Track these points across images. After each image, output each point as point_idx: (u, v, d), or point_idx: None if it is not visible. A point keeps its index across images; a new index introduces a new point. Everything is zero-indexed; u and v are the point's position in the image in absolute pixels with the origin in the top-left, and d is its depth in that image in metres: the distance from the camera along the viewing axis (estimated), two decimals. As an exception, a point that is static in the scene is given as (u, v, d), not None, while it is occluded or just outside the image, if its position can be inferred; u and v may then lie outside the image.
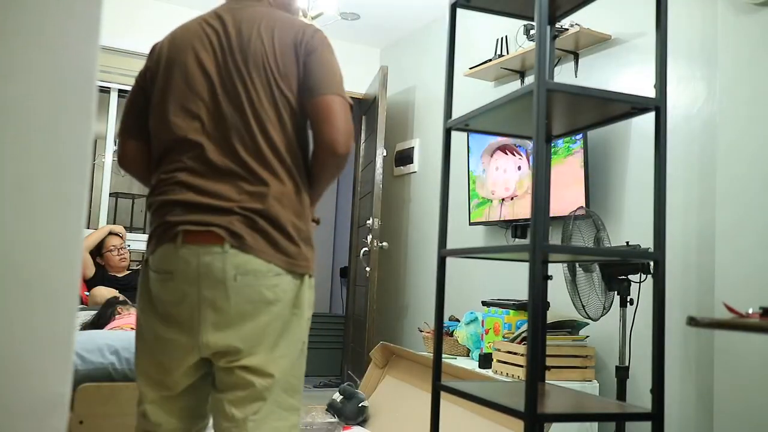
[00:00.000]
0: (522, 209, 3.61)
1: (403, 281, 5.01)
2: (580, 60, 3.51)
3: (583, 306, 2.55)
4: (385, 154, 4.72)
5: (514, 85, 3.97)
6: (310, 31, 1.67)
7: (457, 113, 2.07)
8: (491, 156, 3.85)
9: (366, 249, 4.69)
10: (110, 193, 4.98)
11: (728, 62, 2.58)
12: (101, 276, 4.13)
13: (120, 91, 4.95)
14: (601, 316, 2.60)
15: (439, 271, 2.02)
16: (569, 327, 3.08)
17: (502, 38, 3.94)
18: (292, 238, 1.59)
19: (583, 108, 1.86)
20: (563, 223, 2.62)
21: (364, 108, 5.36)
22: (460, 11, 2.12)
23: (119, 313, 3.17)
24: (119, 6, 4.68)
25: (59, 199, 0.65)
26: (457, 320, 3.79)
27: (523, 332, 3.08)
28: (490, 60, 3.92)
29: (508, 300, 3.46)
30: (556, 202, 3.19)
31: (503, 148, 3.78)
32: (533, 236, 1.61)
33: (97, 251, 4.22)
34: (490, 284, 3.92)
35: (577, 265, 2.59)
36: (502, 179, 3.77)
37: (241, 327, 1.54)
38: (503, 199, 3.76)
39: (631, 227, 3.11)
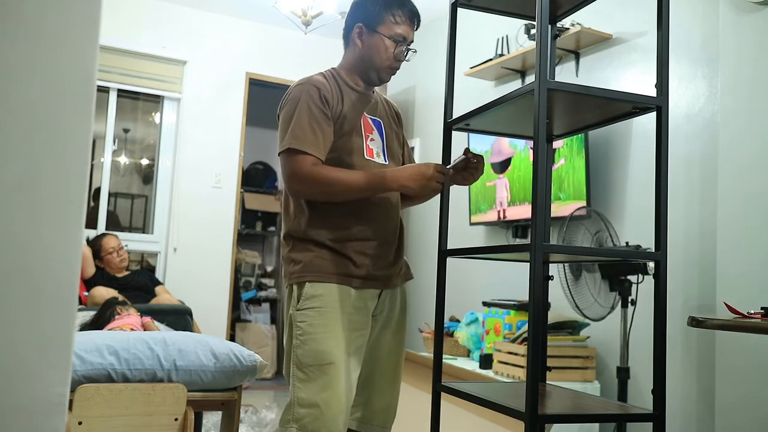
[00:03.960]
0: (522, 209, 3.61)
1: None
2: (580, 60, 3.51)
3: (583, 308, 2.54)
4: (385, 153, 4.70)
5: (515, 85, 3.96)
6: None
7: (457, 113, 2.06)
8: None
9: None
10: (110, 193, 4.97)
11: (729, 61, 2.58)
12: (100, 276, 4.11)
13: (119, 90, 4.90)
14: (605, 316, 2.59)
15: (440, 271, 2.02)
16: (570, 327, 3.08)
17: (502, 38, 3.93)
18: None
19: (584, 107, 1.85)
20: (562, 223, 2.61)
21: (364, 108, 5.34)
22: (460, 10, 2.11)
23: (119, 314, 3.15)
24: (120, 6, 4.68)
25: (59, 199, 0.65)
26: (458, 321, 3.78)
27: (523, 333, 3.07)
28: (491, 59, 3.92)
29: (508, 300, 3.45)
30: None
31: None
32: (534, 236, 1.60)
33: (96, 254, 4.20)
34: (491, 284, 3.91)
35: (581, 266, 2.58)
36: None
37: None
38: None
39: (632, 227, 3.10)
